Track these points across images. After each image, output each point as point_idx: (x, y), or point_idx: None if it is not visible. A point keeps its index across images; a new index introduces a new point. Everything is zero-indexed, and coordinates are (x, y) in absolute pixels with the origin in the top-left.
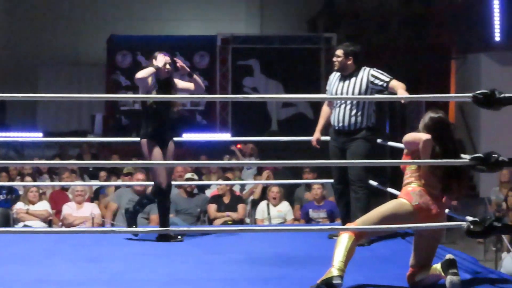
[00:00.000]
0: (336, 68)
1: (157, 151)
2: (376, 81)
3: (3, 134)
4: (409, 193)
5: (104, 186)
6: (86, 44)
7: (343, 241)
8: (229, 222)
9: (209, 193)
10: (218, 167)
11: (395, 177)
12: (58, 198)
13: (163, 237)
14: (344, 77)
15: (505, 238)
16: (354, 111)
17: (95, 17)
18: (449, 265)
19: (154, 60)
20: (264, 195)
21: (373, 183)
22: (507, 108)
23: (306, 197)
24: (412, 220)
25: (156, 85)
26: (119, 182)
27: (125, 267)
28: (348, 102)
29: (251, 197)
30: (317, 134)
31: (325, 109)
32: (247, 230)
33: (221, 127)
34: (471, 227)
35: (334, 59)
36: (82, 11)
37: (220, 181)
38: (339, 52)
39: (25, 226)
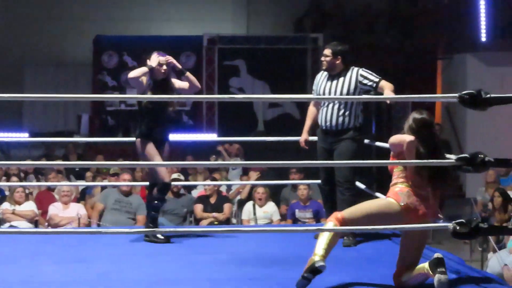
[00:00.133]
0: (324, 67)
1: (153, 150)
2: (365, 81)
3: None
4: (397, 193)
5: (90, 187)
6: (72, 44)
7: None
8: (216, 223)
9: (195, 193)
10: (204, 167)
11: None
12: (44, 199)
13: (153, 237)
14: (332, 77)
15: (491, 238)
16: (342, 111)
17: (81, 17)
18: (437, 264)
19: (148, 60)
20: (251, 195)
21: (360, 185)
22: (493, 108)
23: (292, 197)
24: (399, 220)
25: (151, 85)
26: (105, 183)
27: (111, 268)
28: (336, 101)
29: (238, 197)
30: (304, 135)
31: (311, 110)
32: (234, 230)
33: (207, 127)
34: (457, 228)
35: (322, 58)
36: (68, 11)
37: (208, 182)
38: (327, 51)
39: (11, 226)
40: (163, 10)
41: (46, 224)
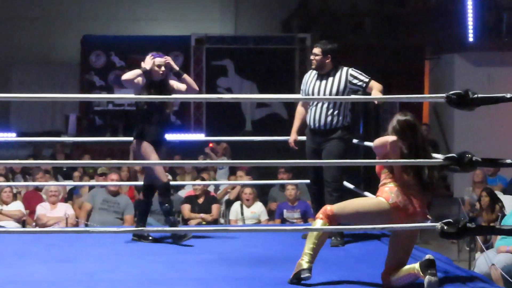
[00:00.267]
0: (313, 66)
1: (151, 151)
2: (355, 81)
3: None
4: (387, 192)
5: (78, 187)
6: (59, 44)
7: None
8: (204, 223)
9: (183, 193)
10: (192, 167)
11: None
12: (32, 199)
13: (140, 237)
14: (321, 76)
15: (478, 238)
16: (331, 110)
17: (68, 16)
18: (428, 265)
19: (142, 63)
20: (238, 195)
21: (349, 185)
22: (481, 108)
23: (280, 196)
24: (388, 219)
25: (145, 87)
26: (93, 182)
27: (98, 267)
28: (325, 101)
29: (226, 197)
30: (293, 135)
31: (300, 110)
32: (221, 230)
33: (195, 127)
34: (445, 228)
35: (312, 57)
36: (56, 11)
37: (198, 181)
38: (317, 50)
39: None
40: (151, 10)
41: (34, 224)
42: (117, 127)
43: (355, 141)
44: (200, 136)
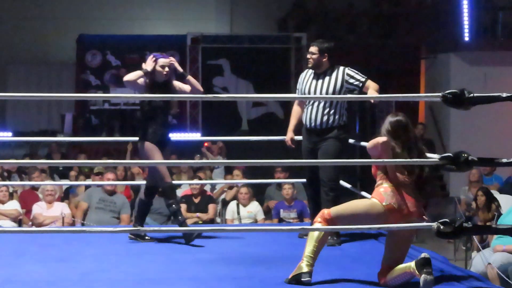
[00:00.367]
0: (310, 65)
1: (155, 152)
2: (352, 80)
3: None
4: (381, 194)
5: (74, 186)
6: (55, 43)
7: (314, 232)
8: (200, 222)
9: (179, 192)
10: (188, 167)
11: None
12: (28, 198)
13: (137, 236)
14: (318, 75)
15: (475, 237)
16: (327, 110)
17: (64, 16)
18: (423, 264)
19: (143, 64)
20: (235, 195)
21: (345, 185)
22: (477, 108)
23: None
24: (383, 220)
25: (148, 88)
26: (89, 182)
27: (94, 267)
28: (322, 100)
29: (222, 197)
30: (290, 134)
31: (296, 109)
32: (218, 230)
33: (191, 126)
34: (441, 227)
35: (309, 56)
36: (51, 11)
37: (195, 181)
38: (314, 49)
39: None
40: (146, 9)
41: (30, 223)
42: (113, 127)
43: (351, 140)
44: (196, 136)
